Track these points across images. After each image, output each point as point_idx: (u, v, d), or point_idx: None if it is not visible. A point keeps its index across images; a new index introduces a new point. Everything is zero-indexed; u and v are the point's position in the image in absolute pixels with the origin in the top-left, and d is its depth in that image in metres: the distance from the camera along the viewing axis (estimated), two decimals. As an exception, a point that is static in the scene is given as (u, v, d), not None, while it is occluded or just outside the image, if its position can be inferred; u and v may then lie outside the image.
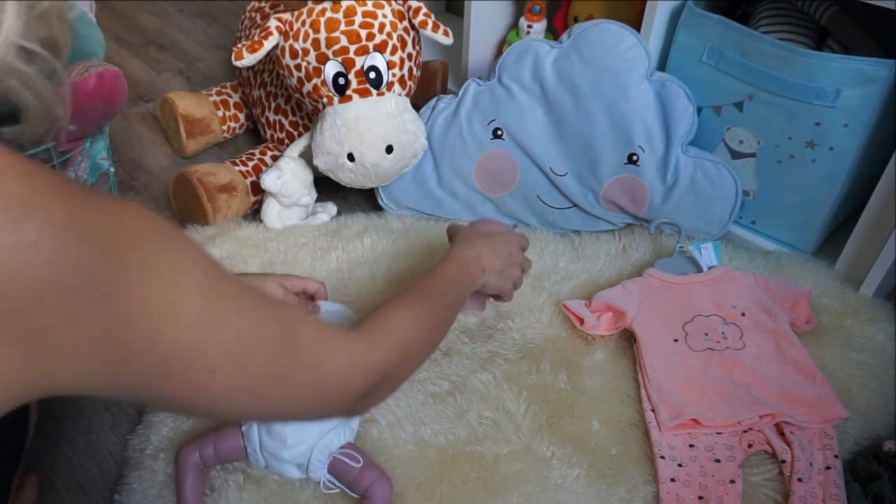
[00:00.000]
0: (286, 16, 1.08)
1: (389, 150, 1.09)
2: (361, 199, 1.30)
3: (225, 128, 1.41)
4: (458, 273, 0.82)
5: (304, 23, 1.07)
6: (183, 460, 0.82)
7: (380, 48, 1.07)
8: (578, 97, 1.11)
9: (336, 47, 1.06)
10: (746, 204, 1.16)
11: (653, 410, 0.90)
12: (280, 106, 1.27)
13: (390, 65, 1.08)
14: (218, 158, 1.39)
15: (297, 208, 1.18)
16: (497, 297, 0.93)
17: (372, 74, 1.07)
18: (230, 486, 0.83)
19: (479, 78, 1.19)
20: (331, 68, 1.07)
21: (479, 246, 0.86)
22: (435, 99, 1.21)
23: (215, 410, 0.53)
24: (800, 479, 0.81)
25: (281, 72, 1.13)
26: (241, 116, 1.43)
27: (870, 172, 1.05)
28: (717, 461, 0.85)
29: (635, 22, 1.14)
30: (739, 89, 1.08)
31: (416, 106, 1.17)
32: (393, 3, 1.10)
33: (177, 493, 0.82)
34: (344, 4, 1.06)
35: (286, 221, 1.19)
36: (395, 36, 1.08)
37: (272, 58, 1.18)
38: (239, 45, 1.08)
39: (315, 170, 1.16)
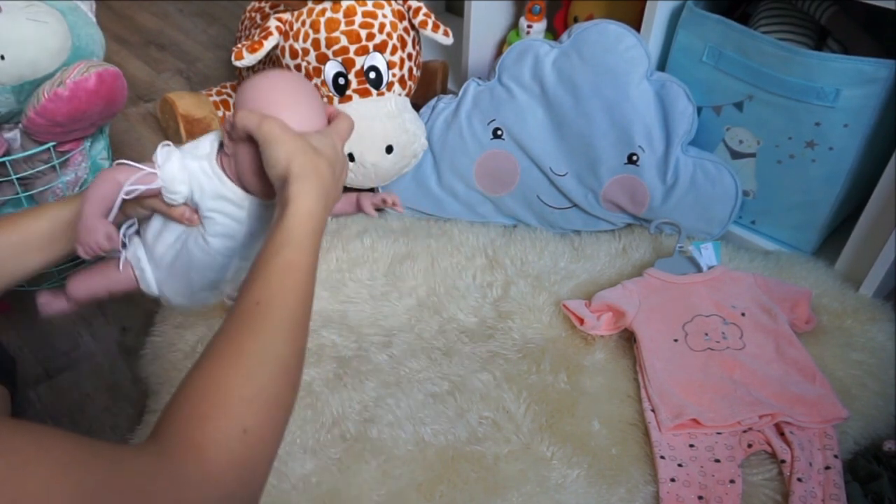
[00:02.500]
0: (286, 16, 1.08)
1: (389, 150, 1.09)
2: (361, 199, 1.30)
3: (225, 128, 1.41)
4: (309, 245, 0.59)
5: (304, 23, 1.07)
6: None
7: (380, 48, 1.07)
8: (578, 97, 1.11)
9: (336, 47, 1.06)
10: (746, 204, 1.16)
11: (653, 410, 0.90)
12: (280, 106, 1.27)
13: (390, 65, 1.08)
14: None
15: (297, 208, 1.18)
16: None
17: (372, 74, 1.08)
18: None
19: (479, 78, 1.19)
20: (331, 68, 1.07)
21: (316, 173, 0.62)
22: (435, 99, 1.21)
23: None
24: (800, 479, 0.81)
25: (281, 72, 1.13)
26: (241, 116, 1.43)
27: (870, 172, 1.05)
28: (717, 461, 0.85)
29: (635, 22, 1.14)
30: (739, 89, 1.08)
31: (416, 106, 1.17)
32: (393, 3, 1.10)
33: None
34: (344, 4, 1.06)
35: (286, 221, 1.18)
36: (395, 36, 1.08)
37: (272, 58, 1.18)
38: (239, 45, 1.08)
39: (315, 170, 1.16)
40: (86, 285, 0.80)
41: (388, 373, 0.95)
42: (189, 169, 0.72)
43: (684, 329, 0.98)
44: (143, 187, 0.71)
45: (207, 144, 0.74)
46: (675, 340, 0.97)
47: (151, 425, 0.88)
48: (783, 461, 0.84)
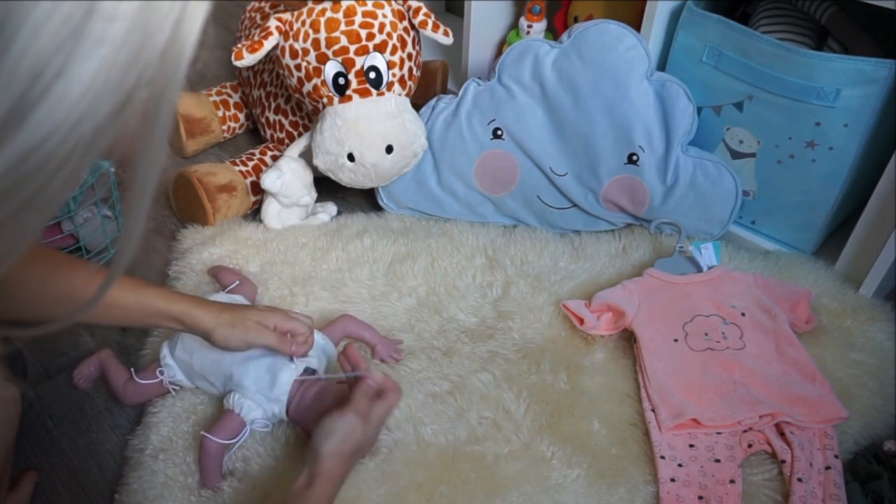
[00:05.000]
0: (286, 16, 1.08)
1: (389, 150, 1.09)
2: (361, 199, 1.30)
3: (225, 128, 1.41)
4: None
5: (304, 23, 1.07)
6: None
7: (380, 48, 1.07)
8: (578, 97, 1.11)
9: (336, 47, 1.06)
10: (746, 204, 1.16)
11: (653, 410, 0.90)
12: (280, 106, 1.27)
13: (390, 65, 1.08)
14: (218, 158, 1.39)
15: (297, 208, 1.18)
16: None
17: (372, 74, 1.07)
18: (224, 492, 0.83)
19: (479, 78, 1.19)
20: (331, 68, 1.07)
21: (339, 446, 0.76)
22: (435, 99, 1.21)
23: None
24: (800, 479, 0.81)
25: (281, 72, 1.13)
26: (241, 116, 1.43)
27: (870, 172, 1.05)
28: (717, 461, 0.85)
29: (635, 22, 1.14)
30: (739, 89, 1.07)
31: (416, 106, 1.16)
32: (393, 2, 1.10)
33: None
34: (344, 4, 1.06)
35: (286, 221, 1.19)
36: (395, 36, 1.08)
37: (272, 58, 1.18)
38: (239, 45, 1.08)
39: (315, 170, 1.16)
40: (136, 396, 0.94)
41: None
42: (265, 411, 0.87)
43: (684, 329, 0.98)
44: (238, 440, 0.86)
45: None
46: (675, 340, 0.97)
47: (151, 425, 0.89)
48: (783, 461, 0.84)
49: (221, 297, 0.97)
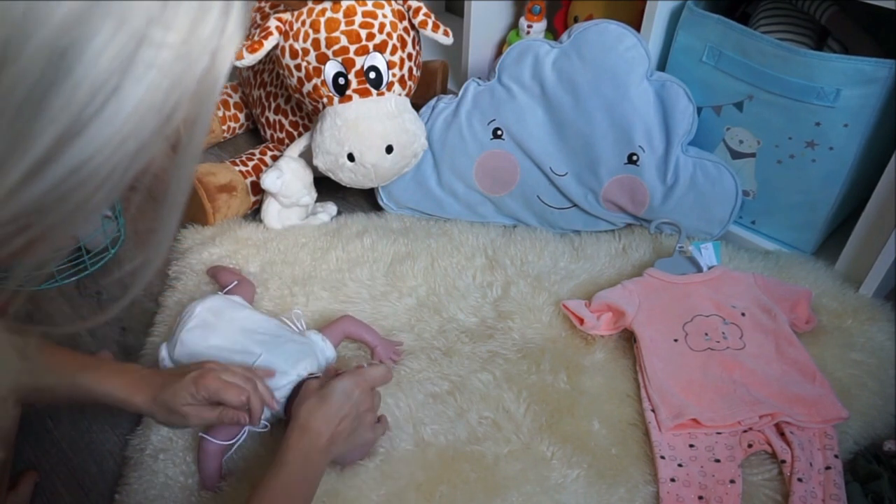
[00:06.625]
0: (286, 16, 1.08)
1: (389, 150, 1.09)
2: (361, 199, 1.30)
3: (225, 128, 1.41)
4: (306, 455, 0.75)
5: (304, 23, 1.07)
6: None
7: (380, 48, 1.07)
8: (578, 97, 1.11)
9: (336, 47, 1.06)
10: (746, 204, 1.16)
11: (653, 410, 0.90)
12: (280, 106, 1.27)
13: (390, 65, 1.08)
14: (218, 158, 1.39)
15: (297, 208, 1.18)
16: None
17: (372, 74, 1.08)
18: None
19: (479, 78, 1.19)
20: (331, 68, 1.07)
21: (320, 413, 0.76)
22: (435, 99, 1.21)
23: None
24: (800, 479, 0.81)
25: (281, 72, 1.13)
26: (241, 116, 1.43)
27: (870, 172, 1.05)
28: (717, 461, 0.85)
29: (635, 22, 1.14)
30: (739, 89, 1.07)
31: (416, 106, 1.16)
32: (393, 2, 1.10)
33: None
34: (344, 4, 1.06)
35: (286, 221, 1.19)
36: (395, 36, 1.08)
37: (272, 58, 1.18)
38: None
39: (315, 170, 1.16)
40: None
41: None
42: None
43: (684, 329, 0.98)
44: (237, 441, 0.85)
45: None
46: (675, 340, 0.97)
47: (151, 425, 0.89)
48: (783, 461, 0.84)
49: (219, 299, 0.97)
